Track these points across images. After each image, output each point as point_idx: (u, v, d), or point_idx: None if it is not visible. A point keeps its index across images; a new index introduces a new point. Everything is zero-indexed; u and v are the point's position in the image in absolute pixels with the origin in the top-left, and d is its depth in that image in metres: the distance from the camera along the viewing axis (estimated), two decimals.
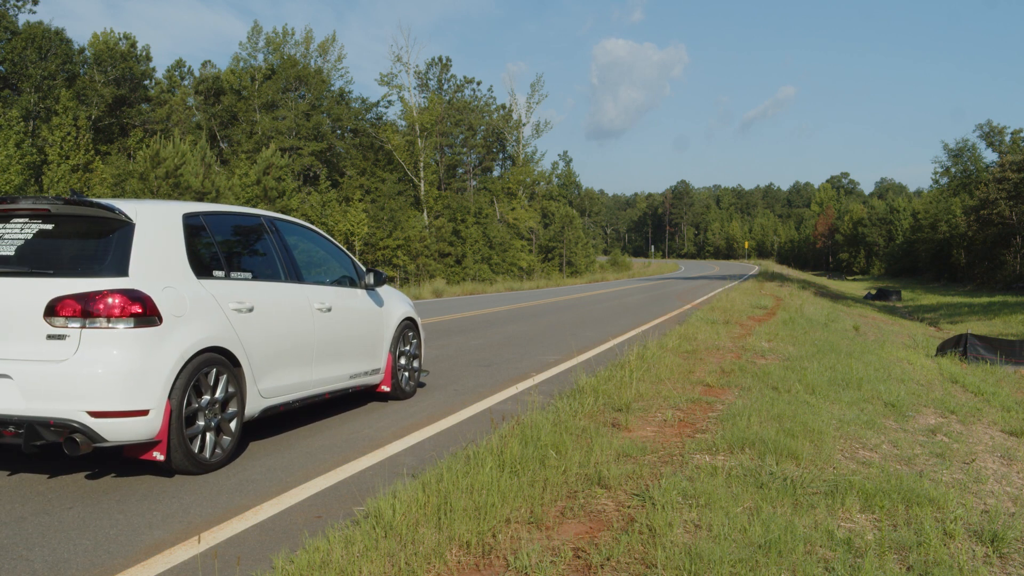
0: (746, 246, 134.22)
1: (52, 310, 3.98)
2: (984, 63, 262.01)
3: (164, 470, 4.49)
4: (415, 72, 57.81)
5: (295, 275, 5.50)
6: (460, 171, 57.46)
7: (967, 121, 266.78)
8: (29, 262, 4.22)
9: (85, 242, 4.36)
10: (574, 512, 3.78)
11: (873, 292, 44.49)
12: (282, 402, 5.21)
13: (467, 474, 3.93)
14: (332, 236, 32.93)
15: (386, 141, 47.20)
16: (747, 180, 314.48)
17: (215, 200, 28.82)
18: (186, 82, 48.88)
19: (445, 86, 56.41)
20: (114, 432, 4.00)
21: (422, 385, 7.54)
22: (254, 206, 31.43)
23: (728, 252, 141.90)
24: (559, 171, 79.65)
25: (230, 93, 44.42)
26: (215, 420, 4.54)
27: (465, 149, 56.72)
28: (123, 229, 4.31)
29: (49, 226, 4.33)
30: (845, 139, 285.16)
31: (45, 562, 3.28)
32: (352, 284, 6.31)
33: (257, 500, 4.10)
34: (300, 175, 44.36)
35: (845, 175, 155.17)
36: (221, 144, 45.51)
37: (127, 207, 4.40)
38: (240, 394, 4.72)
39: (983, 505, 4.50)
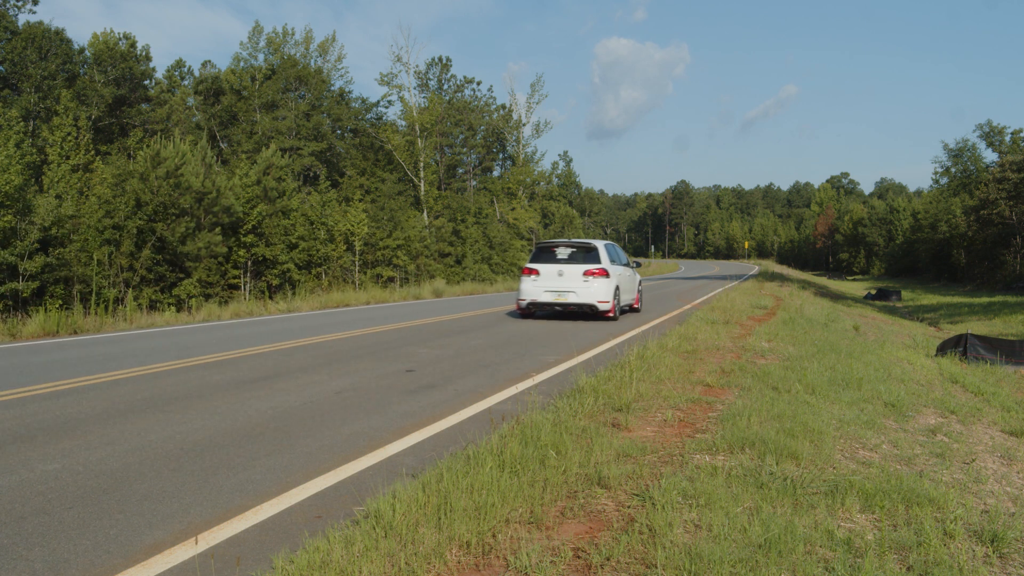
0: (746, 246, 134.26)
1: (583, 273, 14.43)
2: (984, 63, 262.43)
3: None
4: (415, 72, 57.94)
5: (620, 263, 15.65)
6: (460, 171, 57.45)
7: (967, 121, 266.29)
8: (577, 260, 14.62)
9: (587, 253, 14.67)
10: (574, 512, 3.78)
11: (873, 292, 44.51)
12: (626, 303, 16.15)
13: (467, 474, 3.92)
14: (335, 236, 36.11)
15: (386, 141, 47.18)
16: (747, 180, 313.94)
17: (215, 199, 29.28)
18: (186, 82, 48.85)
19: (445, 86, 56.44)
20: (601, 309, 14.43)
21: (638, 310, 17.52)
22: (253, 206, 32.20)
23: (728, 252, 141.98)
24: (559, 171, 79.77)
25: (230, 93, 44.38)
26: (620, 304, 15.34)
27: (465, 149, 56.72)
28: (596, 250, 14.72)
29: (575, 249, 14.79)
30: (845, 139, 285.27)
31: (45, 562, 3.28)
32: (627, 266, 16.32)
33: (257, 500, 4.10)
34: (300, 175, 44.32)
35: (845, 175, 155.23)
36: (221, 144, 45.49)
37: (594, 242, 14.92)
38: (618, 298, 15.08)
39: (983, 505, 4.50)
